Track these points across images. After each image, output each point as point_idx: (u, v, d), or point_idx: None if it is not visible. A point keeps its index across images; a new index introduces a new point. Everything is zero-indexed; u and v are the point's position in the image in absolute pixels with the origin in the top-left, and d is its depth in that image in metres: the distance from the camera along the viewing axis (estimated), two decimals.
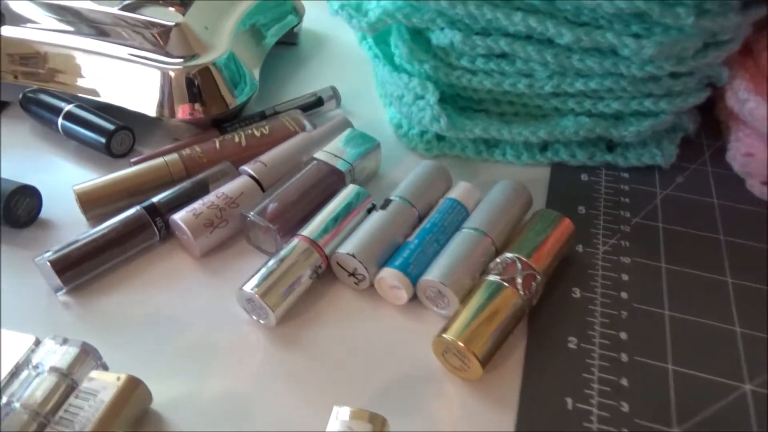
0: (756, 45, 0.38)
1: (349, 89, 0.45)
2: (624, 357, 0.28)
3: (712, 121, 0.41)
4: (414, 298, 0.30)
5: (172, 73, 0.39)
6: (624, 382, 0.27)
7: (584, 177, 0.38)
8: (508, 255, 0.29)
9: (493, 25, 0.35)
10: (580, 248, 0.33)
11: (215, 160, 0.36)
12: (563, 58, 0.35)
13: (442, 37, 0.36)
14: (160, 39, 0.40)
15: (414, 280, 0.29)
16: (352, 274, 0.30)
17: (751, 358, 0.28)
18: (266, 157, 0.36)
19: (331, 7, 0.38)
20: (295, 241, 0.30)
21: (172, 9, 0.42)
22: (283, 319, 0.29)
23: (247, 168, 0.35)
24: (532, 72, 0.36)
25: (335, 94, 0.43)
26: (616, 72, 0.35)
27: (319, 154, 0.35)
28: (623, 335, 0.29)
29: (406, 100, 0.38)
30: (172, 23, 0.39)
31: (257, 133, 0.38)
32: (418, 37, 0.38)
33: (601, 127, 0.37)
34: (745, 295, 0.31)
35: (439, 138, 0.39)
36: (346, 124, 0.39)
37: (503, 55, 0.36)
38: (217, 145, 0.37)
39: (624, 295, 0.31)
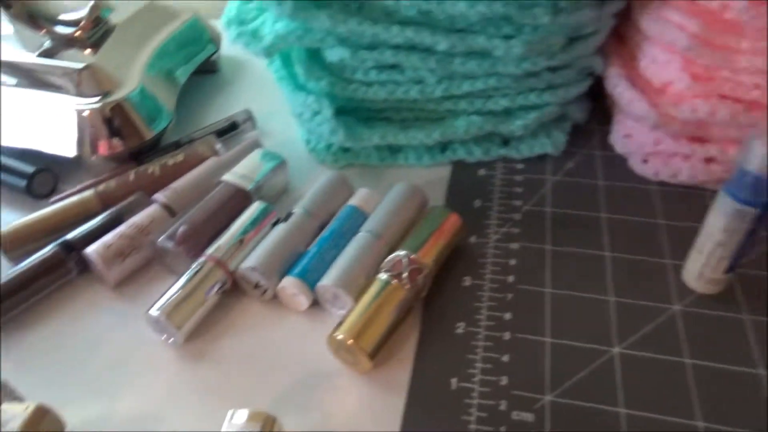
0: (626, 32, 0.41)
1: (268, 110, 0.47)
2: (507, 336, 0.30)
3: (604, 107, 0.44)
4: (316, 302, 0.32)
5: (86, 113, 0.41)
6: (505, 358, 0.29)
7: (482, 172, 0.41)
8: (397, 253, 0.32)
9: (377, 39, 0.37)
10: (474, 239, 0.36)
11: (130, 192, 0.38)
12: (446, 63, 0.37)
13: (333, 54, 0.39)
14: (74, 81, 0.42)
15: (312, 285, 0.32)
16: (257, 286, 0.32)
17: (622, 323, 0.31)
18: (178, 183, 0.38)
19: (229, 36, 0.41)
20: (201, 260, 0.32)
21: (86, 51, 0.44)
22: (192, 336, 0.31)
23: (158, 196, 0.37)
24: (423, 79, 0.39)
25: (250, 117, 0.46)
26: (496, 72, 0.38)
27: (227, 176, 0.38)
28: (507, 315, 0.31)
29: (306, 117, 0.40)
30: (84, 65, 0.42)
31: (171, 162, 0.40)
32: (314, 55, 0.41)
33: (490, 124, 0.40)
34: (620, 267, 0.33)
35: (345, 149, 0.42)
36: (255, 145, 0.41)
37: (394, 66, 0.39)
38: (132, 177, 0.39)
39: (511, 278, 0.33)
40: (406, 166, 0.42)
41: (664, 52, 0.36)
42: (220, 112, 0.48)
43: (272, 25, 0.39)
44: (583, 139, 0.43)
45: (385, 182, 0.41)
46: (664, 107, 0.36)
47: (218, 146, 0.42)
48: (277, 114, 0.47)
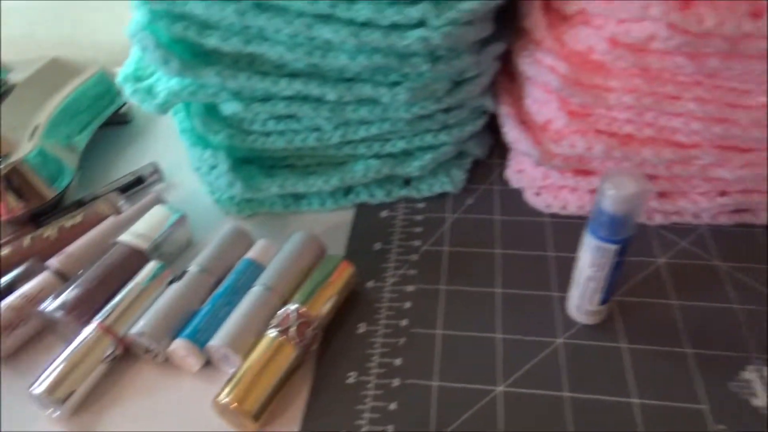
0: (515, 72, 0.42)
1: (178, 162, 0.47)
2: (396, 382, 0.31)
3: (504, 142, 0.45)
4: (210, 362, 0.32)
5: None
6: (392, 406, 0.30)
7: (384, 213, 0.42)
8: (287, 307, 0.32)
9: (268, 92, 0.38)
10: (371, 284, 0.36)
11: (25, 258, 0.37)
12: (339, 111, 0.38)
13: (228, 108, 0.39)
14: None
15: (203, 345, 0.31)
16: (147, 351, 0.32)
17: (508, 360, 0.31)
18: (73, 247, 0.37)
19: (125, 93, 0.41)
20: (89, 328, 0.32)
21: None
22: (81, 408, 0.31)
23: (52, 261, 0.36)
24: (319, 126, 0.40)
25: (156, 170, 0.46)
26: (389, 117, 0.39)
27: (124, 236, 0.37)
28: (398, 361, 0.32)
29: (204, 171, 0.40)
30: None
31: (68, 224, 0.39)
32: (212, 109, 0.41)
33: (388, 166, 0.41)
34: (510, 302, 0.34)
35: (248, 199, 0.42)
36: (157, 200, 0.41)
37: (291, 115, 0.40)
38: (27, 242, 0.38)
39: (404, 322, 0.34)
40: (311, 211, 0.42)
41: (542, 92, 0.38)
42: (132, 164, 0.48)
43: (166, 82, 0.39)
44: (483, 175, 0.44)
45: (291, 229, 0.41)
46: (546, 144, 0.37)
47: (121, 203, 0.41)
48: (187, 165, 0.47)
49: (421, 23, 0.33)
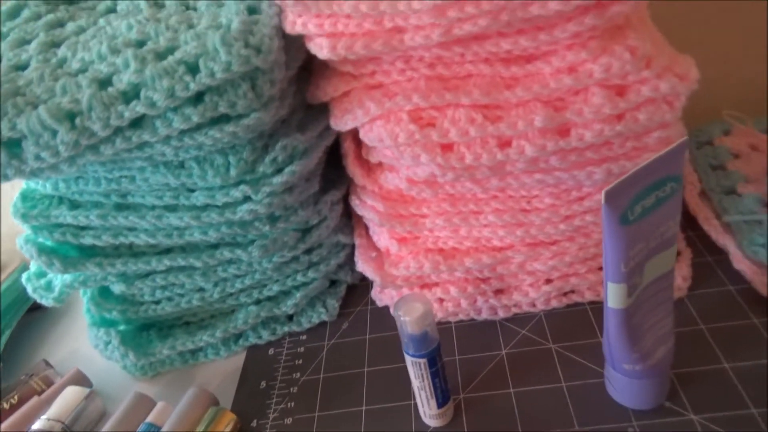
0: None
1: None
2: None
3: None
4: None
5: None
6: None
7: (271, 351, 0.46)
8: None
9: (146, 270, 0.44)
10: (255, 423, 0.40)
11: None
12: (211, 273, 0.44)
13: (116, 288, 0.45)
14: None
15: None
16: None
17: None
18: None
19: (28, 290, 0.46)
20: None
21: None
22: None
23: None
24: (201, 287, 0.46)
25: (48, 365, 0.50)
26: (256, 269, 0.45)
27: (36, 424, 0.42)
28: None
29: (101, 348, 0.46)
30: None
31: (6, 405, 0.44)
32: (106, 289, 0.47)
33: (266, 310, 0.46)
34: (374, 417, 0.39)
35: (150, 362, 0.47)
36: (75, 378, 0.46)
37: (174, 282, 0.45)
38: None
39: None
40: (210, 361, 0.47)
41: (373, 226, 0.44)
42: (56, 343, 0.53)
43: (61, 276, 0.45)
44: (358, 297, 0.49)
45: (191, 382, 0.46)
46: (388, 269, 0.43)
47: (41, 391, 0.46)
48: None
49: (246, 199, 0.39)
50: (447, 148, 0.37)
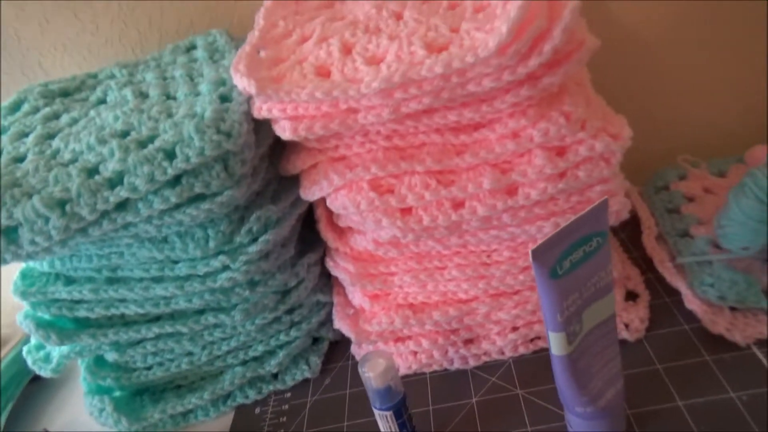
0: None
1: None
2: None
3: None
4: None
5: None
6: None
7: (258, 410, 0.49)
8: None
9: (136, 338, 0.47)
10: None
11: None
12: (198, 338, 0.47)
13: (109, 356, 0.48)
14: None
15: None
16: None
17: None
18: None
19: (28, 362, 0.49)
20: None
21: None
22: None
23: None
24: (190, 351, 0.48)
25: None
26: (243, 330, 0.48)
27: None
28: None
29: (96, 414, 0.48)
30: None
31: None
32: (100, 357, 0.50)
33: (251, 370, 0.49)
34: None
35: (143, 426, 0.49)
36: None
37: (164, 348, 0.48)
38: None
39: None
40: (200, 421, 0.49)
41: (347, 285, 0.47)
42: (58, 413, 0.55)
43: (58, 348, 0.48)
44: (340, 352, 0.52)
45: None
46: (362, 325, 0.46)
47: None
48: None
49: (225, 268, 0.43)
50: (406, 211, 0.41)
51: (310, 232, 0.50)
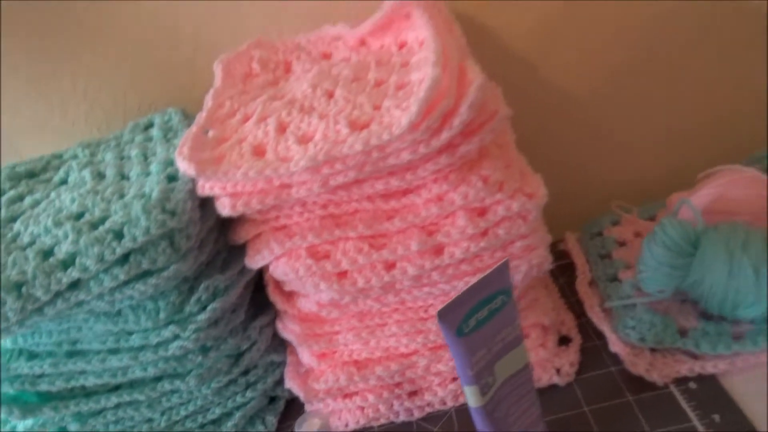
0: None
1: None
2: None
3: None
4: None
5: None
6: None
7: None
8: None
9: (98, 407, 0.49)
10: None
11: None
12: (156, 404, 0.49)
13: (72, 427, 0.50)
14: None
15: None
16: None
17: None
18: None
19: None
20: None
21: None
22: None
23: None
24: (149, 417, 0.50)
25: None
26: (199, 394, 0.50)
27: None
28: None
29: None
30: None
31: None
32: (63, 429, 0.51)
33: None
34: None
35: None
36: None
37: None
38: None
39: None
40: None
41: (296, 347, 0.50)
42: None
43: (23, 421, 0.50)
44: (297, 411, 0.53)
45: None
46: (311, 383, 0.48)
47: None
48: None
49: (176, 337, 0.45)
50: (342, 275, 0.44)
51: (263, 295, 0.53)
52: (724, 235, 0.42)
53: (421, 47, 0.46)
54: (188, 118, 0.56)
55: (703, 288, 0.43)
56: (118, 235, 0.41)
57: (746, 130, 0.65)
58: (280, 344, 0.54)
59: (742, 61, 0.61)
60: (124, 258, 0.42)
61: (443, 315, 0.33)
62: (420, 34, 0.46)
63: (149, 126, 0.57)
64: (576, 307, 0.53)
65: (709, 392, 0.42)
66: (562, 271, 0.58)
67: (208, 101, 0.51)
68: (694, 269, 0.43)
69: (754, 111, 0.64)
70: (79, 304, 0.42)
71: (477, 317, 0.34)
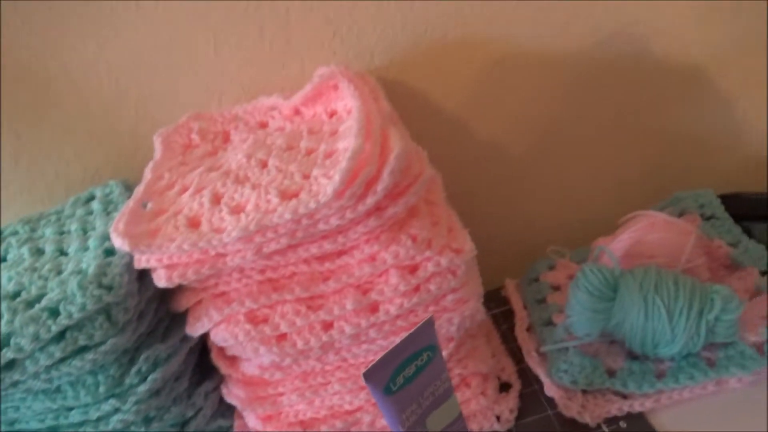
0: None
1: None
2: None
3: None
4: None
5: None
6: None
7: None
8: None
9: None
10: None
11: None
12: None
13: None
14: None
15: None
16: None
17: None
18: None
19: None
20: None
21: None
22: None
23: None
24: None
25: None
26: None
27: None
28: None
29: None
30: None
31: None
32: None
33: None
34: None
35: None
36: None
37: None
38: None
39: None
40: None
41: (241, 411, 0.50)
42: None
43: None
44: None
45: None
46: None
47: None
48: None
49: (116, 410, 0.45)
50: (281, 338, 0.45)
51: (209, 360, 0.53)
52: (639, 278, 0.45)
53: (349, 115, 0.49)
54: (129, 189, 0.56)
55: (625, 329, 0.46)
56: (54, 313, 0.42)
57: (668, 174, 0.70)
58: (228, 409, 0.54)
59: (659, 114, 0.66)
60: (60, 335, 0.42)
61: (369, 375, 0.34)
62: (348, 103, 0.49)
63: (90, 199, 0.58)
64: (516, 352, 0.55)
65: (639, 431, 0.44)
66: (505, 317, 0.60)
67: (147, 174, 0.53)
68: (614, 312, 0.46)
69: (676, 154, 0.69)
70: (15, 384, 0.42)
71: (404, 375, 0.35)
